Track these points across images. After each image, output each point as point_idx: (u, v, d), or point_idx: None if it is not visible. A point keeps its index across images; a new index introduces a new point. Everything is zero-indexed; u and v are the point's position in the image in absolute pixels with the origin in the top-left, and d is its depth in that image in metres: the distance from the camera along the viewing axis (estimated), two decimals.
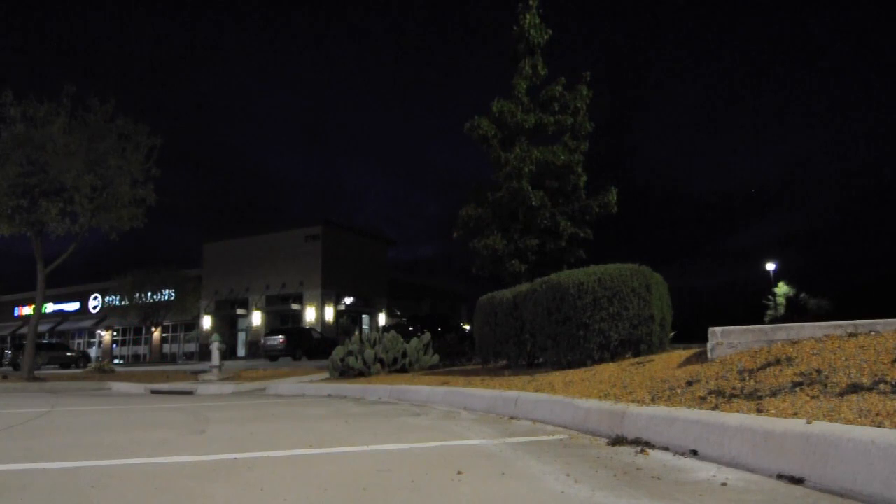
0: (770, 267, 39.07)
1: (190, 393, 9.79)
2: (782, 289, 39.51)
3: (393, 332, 10.45)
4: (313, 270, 36.79)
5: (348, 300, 38.32)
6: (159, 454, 3.02)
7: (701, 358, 4.62)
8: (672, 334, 6.92)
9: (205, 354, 28.09)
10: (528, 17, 11.91)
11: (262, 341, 29.59)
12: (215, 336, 12.67)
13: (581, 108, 11.88)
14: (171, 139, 16.58)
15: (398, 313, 40.98)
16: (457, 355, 11.56)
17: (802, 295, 39.06)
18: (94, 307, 47.24)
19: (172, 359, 41.41)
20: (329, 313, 36.94)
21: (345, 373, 9.80)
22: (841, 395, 2.63)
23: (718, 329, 4.48)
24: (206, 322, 39.87)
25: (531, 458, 2.72)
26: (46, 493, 2.18)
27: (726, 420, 2.48)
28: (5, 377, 14.59)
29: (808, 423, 2.15)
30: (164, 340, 43.96)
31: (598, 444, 3.03)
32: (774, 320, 34.45)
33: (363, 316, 41.14)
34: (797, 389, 2.89)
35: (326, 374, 10.56)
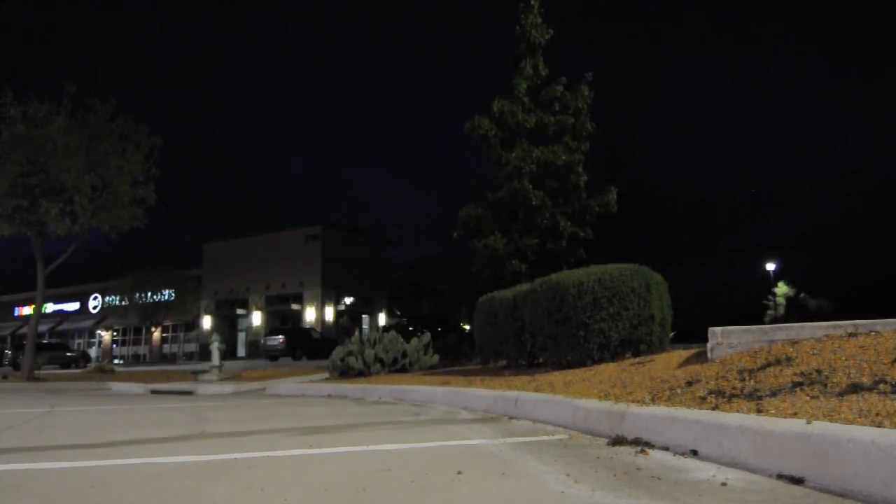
0: (770, 267, 39.10)
1: (190, 393, 9.79)
2: (782, 289, 39.51)
3: (393, 332, 10.45)
4: (313, 270, 36.80)
5: (348, 300, 38.32)
6: (159, 454, 3.02)
7: (701, 358, 4.62)
8: (672, 334, 6.91)
9: (205, 354, 28.06)
10: (529, 17, 11.92)
11: (262, 341, 29.60)
12: (215, 336, 12.65)
13: (582, 108, 11.89)
14: (172, 139, 16.60)
15: (398, 313, 40.99)
16: (457, 355, 11.56)
17: (802, 295, 39.06)
18: (94, 307, 47.25)
19: (172, 359, 41.41)
20: (329, 313, 36.95)
21: (345, 373, 9.80)
22: (841, 395, 2.63)
23: (718, 329, 4.48)
24: (206, 322, 39.89)
25: (531, 458, 2.72)
26: (46, 493, 2.18)
27: (726, 420, 2.48)
28: (5, 377, 14.61)
29: (808, 423, 2.15)
30: (164, 340, 43.96)
31: (598, 444, 3.03)
32: (774, 320, 34.44)
33: (363, 316, 41.13)
34: (797, 389, 2.89)
35: (326, 375, 10.56)
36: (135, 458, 2.93)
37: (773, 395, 2.88)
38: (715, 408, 2.86)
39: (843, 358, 3.27)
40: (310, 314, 36.44)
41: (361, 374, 9.57)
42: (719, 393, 3.19)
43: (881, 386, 2.61)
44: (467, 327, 26.34)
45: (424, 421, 4.47)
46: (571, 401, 3.82)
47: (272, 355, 26.57)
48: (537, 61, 12.10)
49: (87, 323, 46.97)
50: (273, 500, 2.02)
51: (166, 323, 41.10)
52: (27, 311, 48.61)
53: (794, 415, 2.40)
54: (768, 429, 2.22)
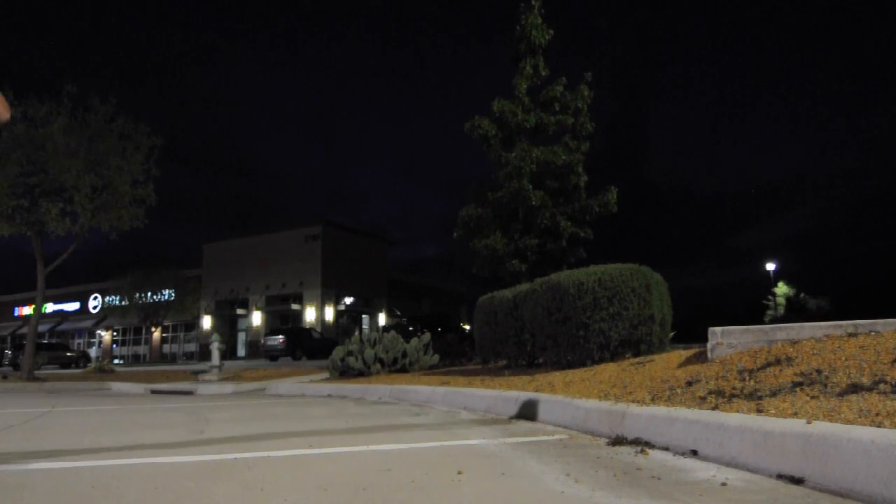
0: (770, 267, 39.13)
1: (190, 393, 9.79)
2: (782, 289, 39.53)
3: (393, 332, 10.44)
4: (313, 270, 36.80)
5: (348, 300, 38.34)
6: (159, 454, 3.02)
7: (701, 358, 4.62)
8: (672, 334, 6.91)
9: (205, 354, 28.06)
10: (529, 17, 11.94)
11: (262, 341, 29.60)
12: (215, 336, 12.65)
13: (582, 108, 11.89)
14: (173, 139, 16.70)
15: (398, 313, 41.00)
16: (457, 355, 11.55)
17: (802, 295, 39.08)
18: (94, 307, 47.24)
19: (172, 359, 41.43)
20: (329, 313, 36.94)
21: (345, 373, 9.80)
22: (841, 395, 2.63)
23: (718, 329, 4.48)
24: (206, 322, 39.88)
25: (531, 458, 2.72)
26: (46, 494, 2.18)
27: (726, 420, 2.48)
28: (5, 377, 14.60)
29: (808, 423, 2.15)
30: (164, 340, 43.97)
31: (598, 444, 3.03)
32: (774, 320, 34.44)
33: (363, 316, 41.14)
34: (797, 389, 2.89)
35: (326, 374, 10.56)
36: (135, 458, 2.93)
37: (773, 395, 2.88)
38: (715, 408, 2.86)
39: (843, 358, 3.27)
40: (310, 314, 36.44)
41: (361, 373, 9.57)
42: (719, 393, 3.19)
43: (881, 386, 2.61)
44: (467, 327, 26.34)
45: (424, 421, 4.47)
46: (571, 401, 3.82)
47: (272, 355, 26.58)
48: (537, 61, 12.10)
49: (87, 323, 46.97)
50: (273, 500, 2.02)
51: (166, 323, 41.10)
52: (27, 311, 48.62)
53: (794, 415, 2.40)
54: (768, 429, 2.22)
